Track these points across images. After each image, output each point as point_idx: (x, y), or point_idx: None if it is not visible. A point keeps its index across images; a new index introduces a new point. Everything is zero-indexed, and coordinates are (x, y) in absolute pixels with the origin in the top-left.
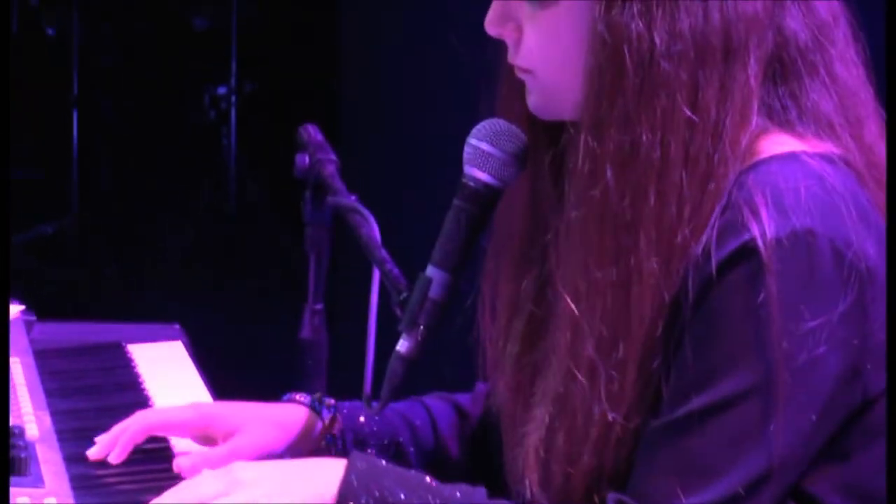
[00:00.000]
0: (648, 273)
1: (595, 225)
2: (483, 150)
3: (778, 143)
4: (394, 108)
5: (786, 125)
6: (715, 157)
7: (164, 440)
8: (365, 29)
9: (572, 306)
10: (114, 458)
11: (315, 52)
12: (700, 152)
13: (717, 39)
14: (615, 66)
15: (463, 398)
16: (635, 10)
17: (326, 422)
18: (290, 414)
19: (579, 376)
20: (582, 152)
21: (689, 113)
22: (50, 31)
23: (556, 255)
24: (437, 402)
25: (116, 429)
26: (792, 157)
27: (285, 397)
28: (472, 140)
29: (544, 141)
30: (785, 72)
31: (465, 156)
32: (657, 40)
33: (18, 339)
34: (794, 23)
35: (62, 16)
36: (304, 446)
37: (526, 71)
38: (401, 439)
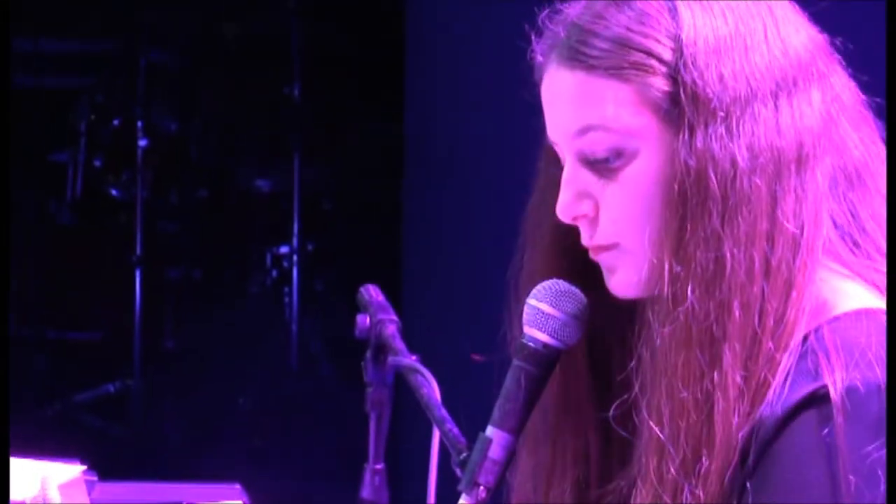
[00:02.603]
0: (733, 386)
1: (680, 346)
2: (543, 312)
3: (853, 297)
4: (455, 268)
5: (848, 239)
6: (795, 265)
7: None
8: (425, 190)
9: (657, 431)
10: None
11: (377, 211)
12: (781, 263)
13: (790, 150)
14: (700, 188)
15: None
16: (721, 131)
17: None
18: None
19: (666, 497)
20: (667, 279)
21: (768, 225)
22: (114, 193)
23: (639, 385)
24: None
25: None
26: (867, 314)
27: None
28: (532, 301)
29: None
30: (849, 183)
31: (526, 316)
32: (739, 158)
33: (79, 500)
34: (846, 136)
35: (126, 177)
36: None
37: (609, 248)
38: None
